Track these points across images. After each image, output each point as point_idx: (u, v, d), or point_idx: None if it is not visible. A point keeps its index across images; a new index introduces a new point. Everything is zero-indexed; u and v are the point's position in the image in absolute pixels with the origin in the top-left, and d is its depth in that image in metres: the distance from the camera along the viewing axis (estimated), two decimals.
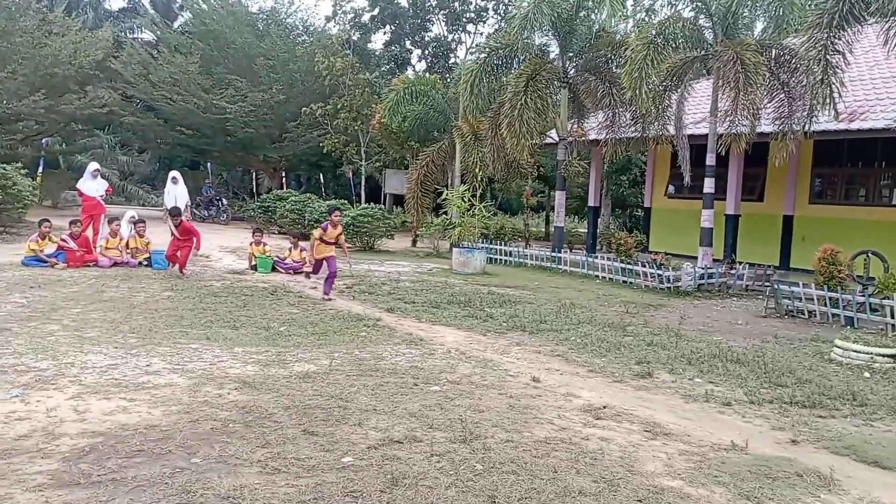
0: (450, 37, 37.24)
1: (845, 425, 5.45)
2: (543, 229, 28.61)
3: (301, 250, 13.31)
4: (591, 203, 20.73)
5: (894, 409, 5.84)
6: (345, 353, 6.98)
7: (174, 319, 8.19)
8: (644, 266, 13.85)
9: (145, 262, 12.56)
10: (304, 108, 25.99)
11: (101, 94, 26.46)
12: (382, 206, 22.02)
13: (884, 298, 9.77)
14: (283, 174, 29.12)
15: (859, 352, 7.45)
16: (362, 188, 26.32)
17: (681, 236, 17.82)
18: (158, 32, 31.15)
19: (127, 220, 13.62)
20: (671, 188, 19.88)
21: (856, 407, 5.89)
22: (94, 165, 14.53)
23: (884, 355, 7.41)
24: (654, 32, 14.70)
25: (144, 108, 28.90)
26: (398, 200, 26.76)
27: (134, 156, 36.29)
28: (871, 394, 6.28)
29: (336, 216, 10.87)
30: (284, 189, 25.81)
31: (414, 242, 20.51)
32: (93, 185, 13.92)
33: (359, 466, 4.16)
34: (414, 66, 37.06)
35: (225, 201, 26.29)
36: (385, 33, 36.89)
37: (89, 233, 13.09)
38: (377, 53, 35.72)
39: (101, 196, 13.99)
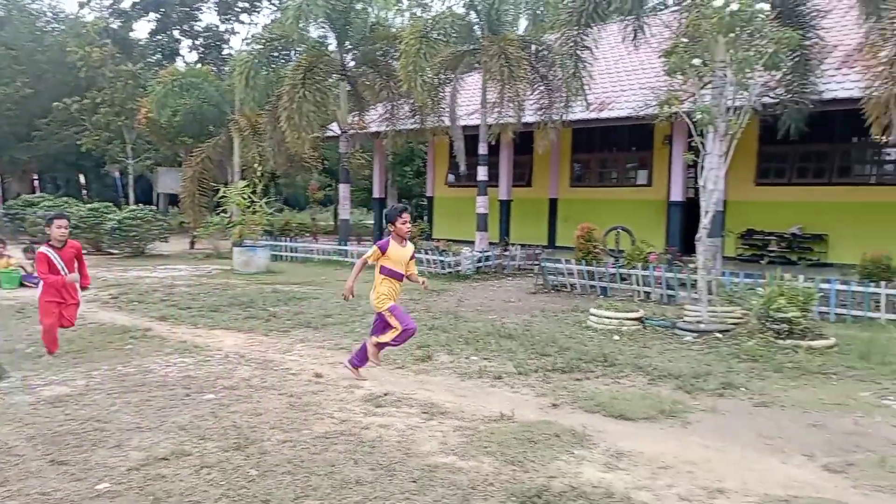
0: (222, 27, 35.57)
1: (597, 385, 6.04)
2: (332, 223, 28.45)
3: None
4: (376, 195, 20.98)
5: (638, 366, 6.59)
6: (106, 370, 6.37)
7: None
8: (427, 253, 14.31)
9: None
10: (56, 103, 23.39)
11: None
12: (155, 207, 20.52)
13: (631, 268, 11.02)
14: (36, 177, 25.97)
15: (610, 318, 8.32)
16: (131, 189, 24.32)
17: (461, 223, 18.67)
18: None
19: None
20: (450, 177, 20.74)
21: (606, 368, 6.56)
22: None
23: (630, 319, 8.34)
24: (427, 26, 15.18)
25: None
26: (174, 200, 25.09)
27: None
28: (619, 354, 7.03)
29: (403, 221, 6.10)
30: (37, 193, 23.01)
31: (192, 244, 19.37)
32: None
33: (116, 492, 3.81)
34: (184, 57, 34.93)
35: None
36: (150, 21, 34.36)
37: None
38: (141, 43, 33.14)
39: None
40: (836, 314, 9.17)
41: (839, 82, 12.37)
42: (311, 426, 4.93)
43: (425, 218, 21.43)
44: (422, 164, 25.80)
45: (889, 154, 13.86)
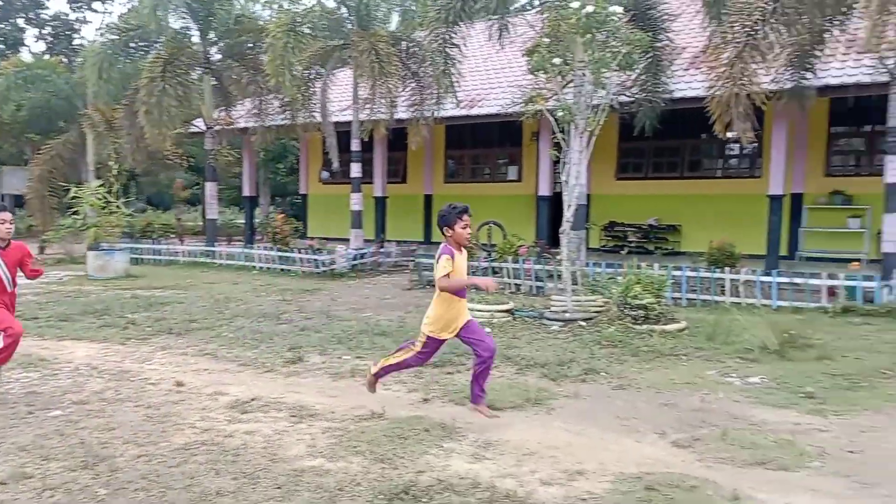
0: (73, 16, 33.13)
1: (468, 378, 6.09)
2: (201, 223, 27.21)
3: None
4: (246, 193, 20.31)
5: (507, 357, 6.75)
6: None
7: None
8: (301, 253, 14.01)
9: None
10: None
11: None
12: None
13: (502, 262, 11.30)
14: None
15: (482, 310, 8.47)
16: None
17: (336, 220, 18.43)
18: None
19: None
20: (324, 174, 20.41)
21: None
22: None
23: (501, 311, 8.55)
24: (295, 20, 14.82)
25: None
26: (20, 202, 23.07)
27: None
28: None
29: (464, 225, 5.00)
30: None
31: (42, 249, 17.86)
32: None
33: None
34: (30, 48, 32.25)
35: None
36: None
37: None
38: None
39: None
40: (687, 299, 9.85)
41: (687, 82, 13.28)
42: (170, 438, 4.66)
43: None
44: (295, 161, 25.23)
45: (732, 149, 15.06)
